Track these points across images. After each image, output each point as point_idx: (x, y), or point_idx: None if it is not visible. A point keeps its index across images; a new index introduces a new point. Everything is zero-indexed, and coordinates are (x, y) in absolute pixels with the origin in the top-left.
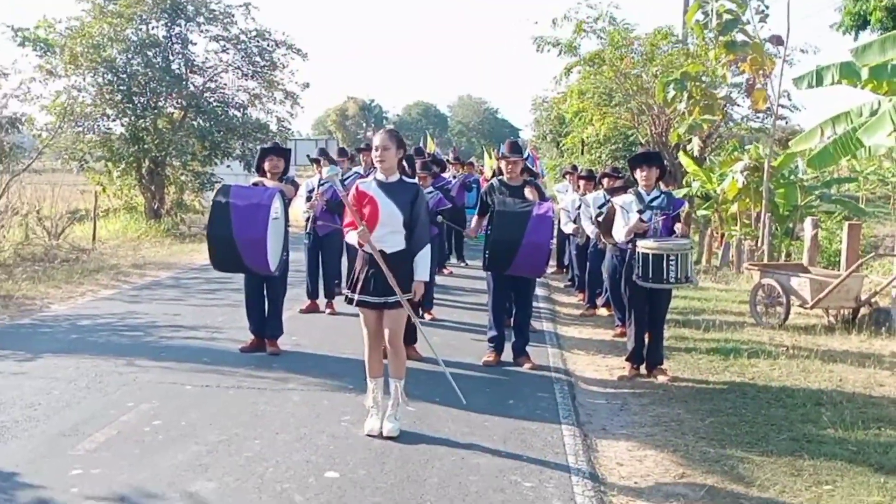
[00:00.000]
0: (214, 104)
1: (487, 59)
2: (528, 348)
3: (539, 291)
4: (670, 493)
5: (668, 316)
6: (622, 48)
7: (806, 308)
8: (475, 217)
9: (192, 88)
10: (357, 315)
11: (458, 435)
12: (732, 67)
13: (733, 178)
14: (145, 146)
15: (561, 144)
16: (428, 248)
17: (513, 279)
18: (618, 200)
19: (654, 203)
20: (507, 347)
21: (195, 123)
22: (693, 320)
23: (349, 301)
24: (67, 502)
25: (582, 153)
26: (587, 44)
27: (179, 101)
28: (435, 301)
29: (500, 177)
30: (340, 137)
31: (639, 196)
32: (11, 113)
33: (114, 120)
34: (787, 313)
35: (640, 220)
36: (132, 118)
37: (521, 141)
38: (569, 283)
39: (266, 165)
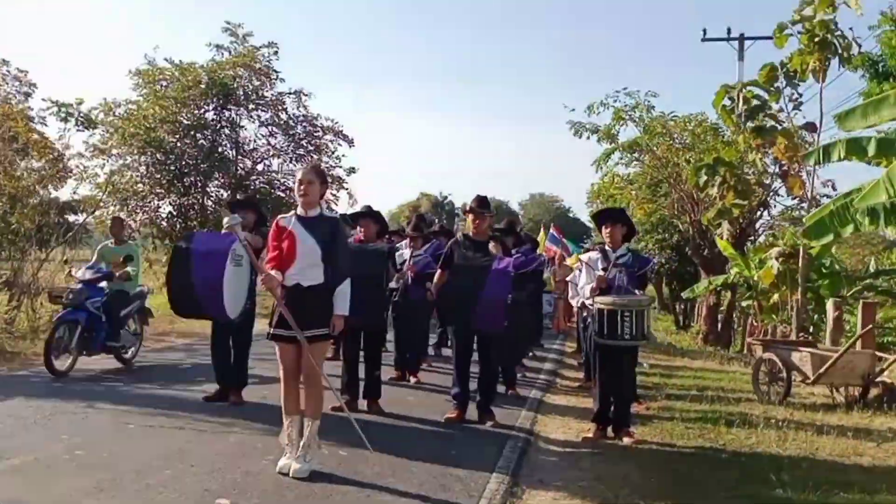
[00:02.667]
0: (261, 186)
1: (561, 159)
2: (501, 410)
3: (547, 365)
4: None
5: (670, 391)
6: (659, 136)
7: (808, 384)
8: (439, 272)
9: (239, 171)
10: None
11: (377, 477)
12: (767, 154)
13: (769, 264)
14: (191, 223)
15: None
16: (348, 282)
17: (476, 337)
18: (584, 257)
19: (620, 261)
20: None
21: None
22: (691, 395)
23: (267, 336)
24: None
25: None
26: (627, 131)
27: (228, 182)
28: (430, 369)
29: (467, 232)
30: None
31: (604, 253)
32: (72, 193)
33: (162, 198)
34: (789, 389)
35: (599, 276)
36: (179, 197)
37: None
38: (583, 360)
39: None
